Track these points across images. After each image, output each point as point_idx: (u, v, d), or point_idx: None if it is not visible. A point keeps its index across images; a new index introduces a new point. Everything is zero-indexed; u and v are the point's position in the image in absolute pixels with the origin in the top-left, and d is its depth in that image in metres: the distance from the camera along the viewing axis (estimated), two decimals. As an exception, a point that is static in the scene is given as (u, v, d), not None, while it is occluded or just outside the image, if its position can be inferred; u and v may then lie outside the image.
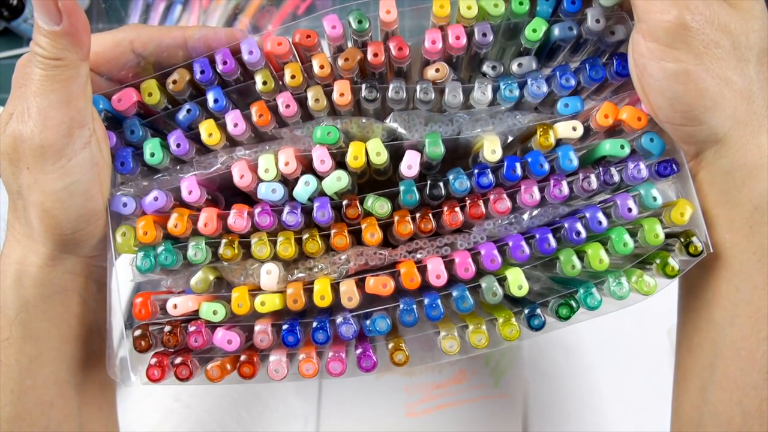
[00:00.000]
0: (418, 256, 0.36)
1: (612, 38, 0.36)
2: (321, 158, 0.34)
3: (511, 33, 0.37)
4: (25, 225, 0.34)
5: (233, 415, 0.57)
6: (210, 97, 0.35)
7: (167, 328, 0.35)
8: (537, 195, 0.34)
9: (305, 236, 0.34)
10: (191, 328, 0.34)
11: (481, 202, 0.34)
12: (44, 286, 0.35)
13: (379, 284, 0.34)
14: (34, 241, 0.34)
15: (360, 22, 0.35)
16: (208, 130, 0.35)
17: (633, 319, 0.58)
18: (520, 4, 0.35)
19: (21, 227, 0.35)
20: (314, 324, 0.34)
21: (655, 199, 0.35)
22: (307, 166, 0.35)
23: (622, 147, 0.35)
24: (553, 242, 0.34)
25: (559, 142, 0.36)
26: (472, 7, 0.35)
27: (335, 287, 0.34)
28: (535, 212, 0.36)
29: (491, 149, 0.35)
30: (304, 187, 0.34)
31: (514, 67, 0.36)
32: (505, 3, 0.35)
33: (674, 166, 0.35)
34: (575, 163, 0.34)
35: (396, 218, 0.34)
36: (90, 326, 0.38)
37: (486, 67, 0.36)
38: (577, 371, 0.60)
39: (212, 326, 0.35)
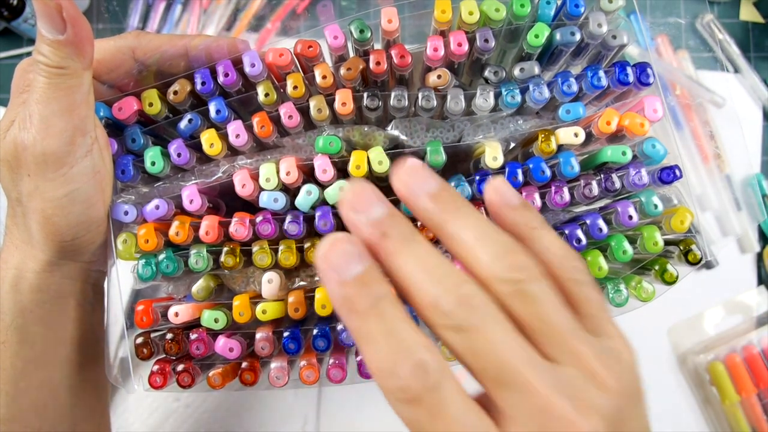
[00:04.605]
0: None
1: (614, 42, 0.35)
2: (323, 168, 0.34)
3: (512, 35, 0.37)
4: (24, 231, 0.34)
5: (233, 415, 0.58)
6: (212, 107, 0.35)
7: (169, 336, 0.35)
8: (538, 201, 0.34)
9: (307, 245, 0.34)
10: (193, 336, 0.34)
11: (482, 209, 0.34)
12: (41, 291, 0.35)
13: (381, 293, 0.34)
14: (33, 248, 0.34)
15: (362, 31, 0.34)
16: (209, 141, 0.34)
17: (633, 319, 0.58)
18: (522, 6, 0.35)
19: (19, 233, 0.35)
20: (315, 331, 0.34)
21: (656, 206, 0.35)
22: (309, 174, 0.35)
23: (624, 153, 0.35)
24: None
25: (561, 148, 0.35)
26: (474, 13, 0.35)
27: (337, 295, 0.34)
28: (536, 219, 0.36)
29: (493, 156, 0.34)
30: (306, 197, 0.34)
31: (516, 72, 0.36)
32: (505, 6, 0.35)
33: (677, 172, 0.35)
34: (577, 169, 0.34)
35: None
36: (86, 329, 0.38)
37: (488, 73, 0.36)
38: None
39: (213, 333, 0.35)
